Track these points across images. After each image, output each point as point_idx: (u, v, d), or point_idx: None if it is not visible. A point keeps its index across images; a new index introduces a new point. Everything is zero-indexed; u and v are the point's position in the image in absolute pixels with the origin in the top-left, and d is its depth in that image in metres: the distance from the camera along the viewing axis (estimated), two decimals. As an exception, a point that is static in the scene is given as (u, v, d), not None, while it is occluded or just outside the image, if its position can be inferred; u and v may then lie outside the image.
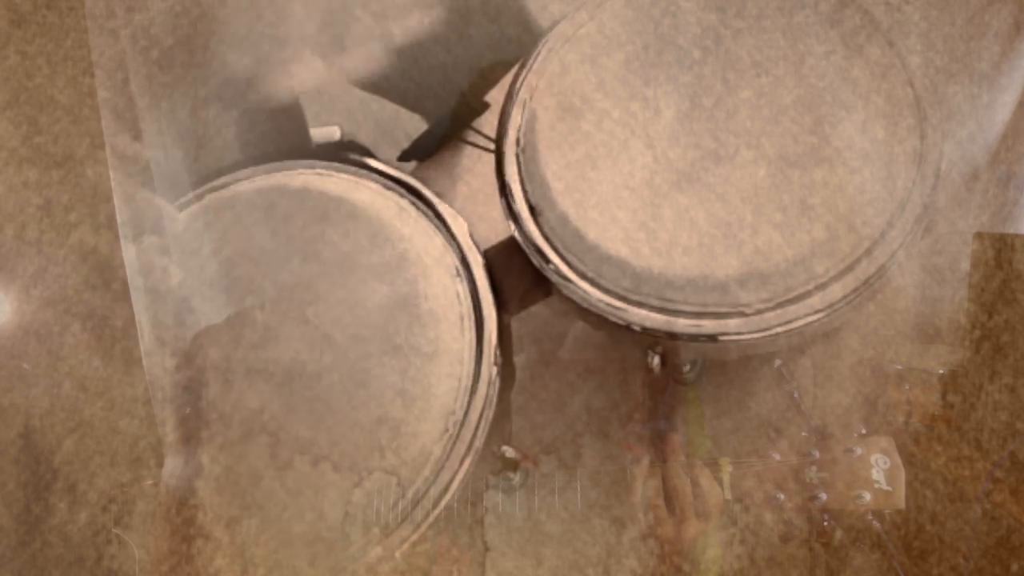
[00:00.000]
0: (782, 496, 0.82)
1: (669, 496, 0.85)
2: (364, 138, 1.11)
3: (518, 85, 0.99)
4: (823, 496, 0.81)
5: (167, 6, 1.03)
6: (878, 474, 0.80)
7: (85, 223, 1.11)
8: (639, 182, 0.90)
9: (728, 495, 0.83)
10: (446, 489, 0.84)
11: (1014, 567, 0.91)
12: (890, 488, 0.79)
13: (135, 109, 1.01)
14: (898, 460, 0.80)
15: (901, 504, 0.79)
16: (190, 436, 0.88)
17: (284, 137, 1.10)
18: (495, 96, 1.08)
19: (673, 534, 0.84)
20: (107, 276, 1.07)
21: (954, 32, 0.95)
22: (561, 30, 1.00)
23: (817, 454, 0.82)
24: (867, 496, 0.79)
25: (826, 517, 0.83)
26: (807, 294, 0.83)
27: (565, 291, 0.90)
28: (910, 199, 0.84)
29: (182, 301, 0.93)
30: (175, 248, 0.96)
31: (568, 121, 0.94)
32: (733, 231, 0.85)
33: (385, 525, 0.83)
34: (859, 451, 0.81)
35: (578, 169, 0.92)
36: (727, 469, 0.83)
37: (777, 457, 0.83)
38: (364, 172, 1.00)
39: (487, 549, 0.91)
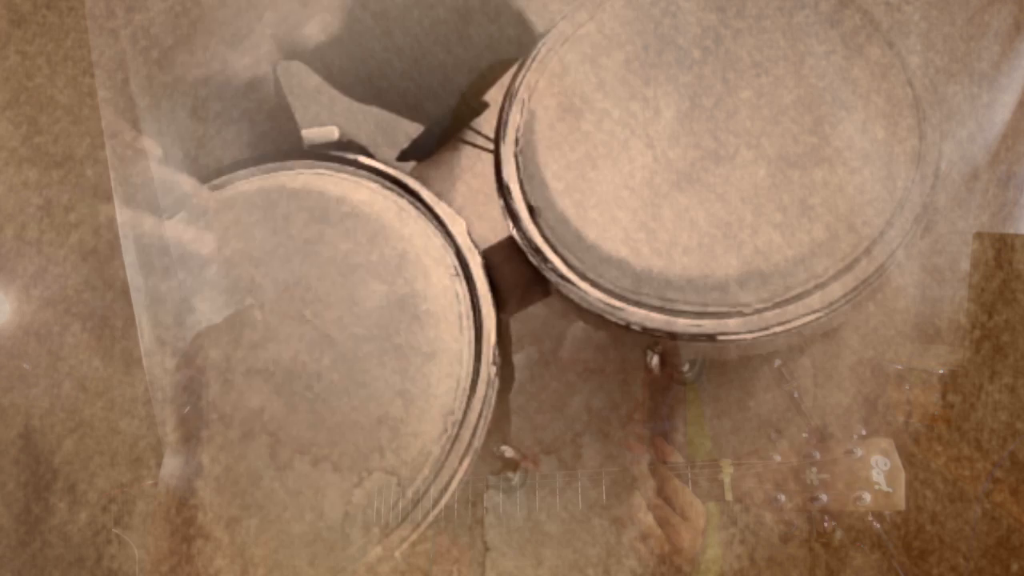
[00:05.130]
0: (782, 497, 0.82)
1: (669, 500, 0.85)
2: (363, 138, 1.11)
3: (517, 85, 0.99)
4: (823, 497, 0.81)
5: (167, 6, 1.03)
6: (878, 475, 0.80)
7: (85, 223, 1.11)
8: (639, 182, 0.89)
9: (729, 496, 0.83)
10: (445, 489, 0.84)
11: (1014, 567, 0.91)
12: (890, 489, 0.79)
13: (135, 109, 1.01)
14: (898, 461, 0.80)
15: (901, 505, 0.79)
16: (190, 436, 0.88)
17: (284, 137, 1.10)
18: (494, 96, 1.08)
19: (675, 542, 0.84)
20: (107, 276, 1.07)
21: (954, 32, 0.95)
22: (561, 30, 1.00)
23: (817, 455, 0.82)
24: (867, 497, 0.79)
25: (826, 518, 0.83)
26: (806, 294, 0.83)
27: (564, 291, 0.90)
28: (910, 199, 0.84)
29: (182, 301, 0.93)
30: (175, 247, 0.96)
31: (568, 121, 0.94)
32: (733, 231, 0.85)
33: (385, 525, 0.83)
34: (859, 452, 0.81)
35: (578, 169, 0.92)
36: (728, 471, 0.83)
37: (777, 458, 0.83)
38: (364, 172, 1.01)
39: (487, 549, 0.91)
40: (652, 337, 0.87)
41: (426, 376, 0.87)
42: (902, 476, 0.80)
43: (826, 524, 0.83)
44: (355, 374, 0.88)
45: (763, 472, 0.83)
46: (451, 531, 0.89)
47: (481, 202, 1.05)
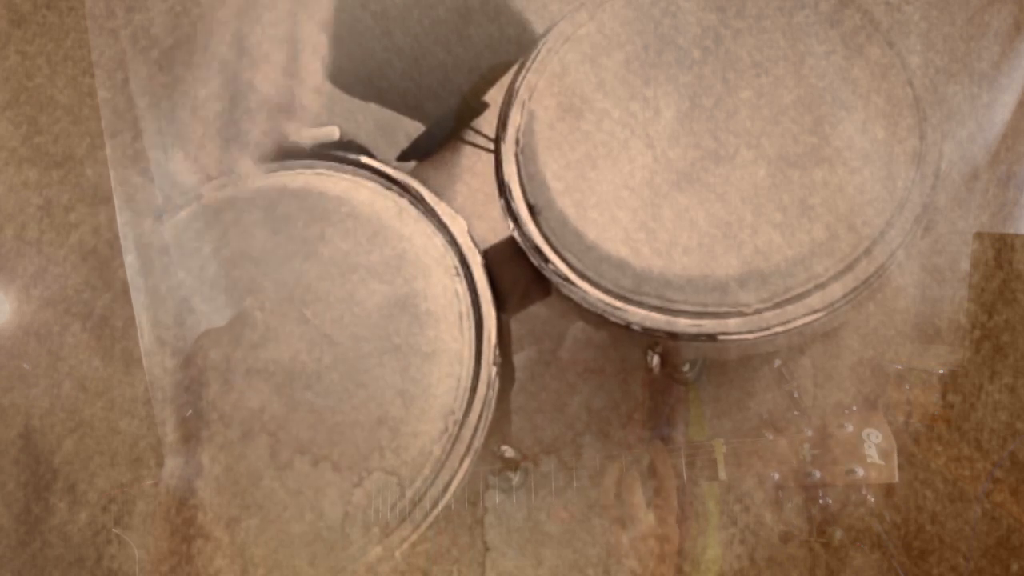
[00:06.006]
0: (776, 475, 0.82)
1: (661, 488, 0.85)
2: (363, 138, 1.11)
3: (517, 85, 0.99)
4: (817, 473, 0.81)
5: (167, 6, 1.03)
6: (870, 448, 0.80)
7: (85, 223, 1.11)
8: (639, 182, 0.90)
9: (722, 475, 0.83)
10: (445, 489, 0.84)
11: (1014, 567, 0.91)
12: (882, 462, 0.80)
13: (135, 109, 1.01)
14: (889, 434, 0.80)
15: (894, 478, 0.79)
16: (190, 436, 0.88)
17: (284, 137, 1.10)
18: (495, 96, 1.08)
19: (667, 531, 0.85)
20: (107, 276, 1.07)
21: (954, 32, 0.95)
22: (561, 30, 1.00)
23: (809, 432, 0.82)
24: (860, 471, 0.80)
25: (821, 494, 0.83)
26: (807, 294, 0.83)
27: (565, 291, 0.90)
28: (910, 199, 0.84)
29: (182, 301, 0.93)
30: (175, 248, 0.96)
31: (568, 121, 0.94)
32: (733, 231, 0.85)
33: (385, 525, 0.83)
34: (850, 427, 0.81)
35: (578, 169, 0.92)
36: (721, 450, 0.83)
37: (770, 436, 0.83)
38: (364, 172, 1.01)
39: (487, 549, 0.91)
40: (652, 337, 0.87)
41: (426, 376, 0.87)
42: (894, 448, 0.79)
43: (820, 500, 0.83)
44: (355, 374, 0.88)
45: (756, 450, 0.83)
46: (451, 531, 0.89)
47: (481, 202, 1.05)
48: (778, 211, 0.85)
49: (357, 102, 1.14)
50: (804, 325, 0.83)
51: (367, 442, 0.85)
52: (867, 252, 0.83)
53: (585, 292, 0.88)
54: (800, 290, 0.83)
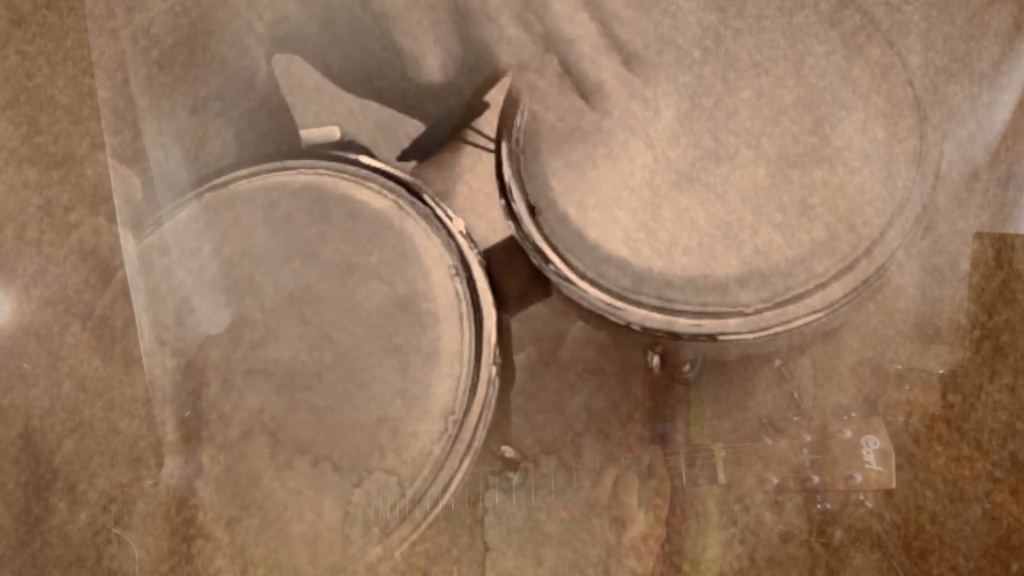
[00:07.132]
0: (775, 480, 0.82)
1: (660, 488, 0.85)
2: (364, 138, 1.11)
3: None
4: (815, 479, 0.81)
5: (167, 6, 1.03)
6: (868, 454, 0.81)
7: (85, 223, 1.11)
8: (639, 182, 0.90)
9: (722, 479, 0.84)
10: (445, 489, 0.84)
11: (1014, 567, 0.91)
12: (880, 468, 0.80)
13: (135, 109, 1.01)
14: (888, 440, 0.81)
15: (892, 484, 0.80)
16: (190, 436, 0.88)
17: (284, 137, 1.10)
18: (495, 96, 1.08)
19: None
20: (107, 276, 1.07)
21: (954, 32, 0.95)
22: (561, 30, 1.00)
23: (808, 437, 0.83)
24: (858, 477, 0.80)
25: (819, 499, 0.83)
26: (807, 294, 0.83)
27: (565, 291, 0.90)
28: (910, 199, 0.84)
29: (182, 301, 0.93)
30: (175, 248, 0.96)
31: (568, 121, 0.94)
32: (733, 231, 0.85)
33: (385, 525, 0.83)
34: (848, 433, 0.81)
35: (578, 169, 0.92)
36: (720, 454, 0.84)
37: (768, 441, 0.83)
38: (364, 172, 1.00)
39: (487, 549, 0.91)
40: (652, 337, 0.87)
41: (426, 376, 0.87)
42: (892, 455, 0.80)
43: (819, 506, 0.84)
44: (355, 374, 0.88)
45: (754, 455, 0.83)
46: (451, 531, 0.89)
47: (481, 202, 1.05)
48: (778, 211, 0.85)
49: (357, 102, 1.14)
50: (804, 325, 0.83)
51: (367, 442, 0.85)
52: (867, 252, 0.83)
53: (585, 292, 0.88)
54: (800, 290, 0.83)
